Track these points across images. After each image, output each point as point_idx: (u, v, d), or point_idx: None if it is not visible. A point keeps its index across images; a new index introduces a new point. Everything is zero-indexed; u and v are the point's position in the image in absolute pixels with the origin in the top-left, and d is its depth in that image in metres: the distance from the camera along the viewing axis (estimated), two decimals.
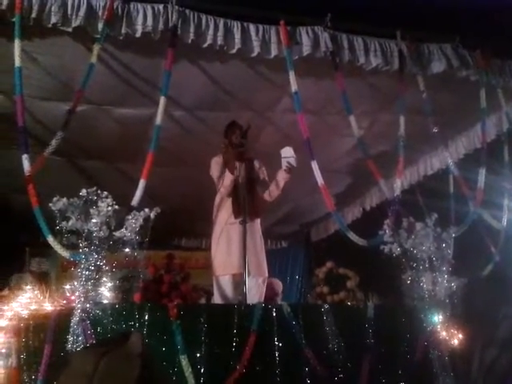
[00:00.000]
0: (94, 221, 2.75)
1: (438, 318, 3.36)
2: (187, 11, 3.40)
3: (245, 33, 3.47)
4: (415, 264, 3.42)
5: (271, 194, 4.03)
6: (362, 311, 3.23)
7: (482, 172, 3.99)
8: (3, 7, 3.14)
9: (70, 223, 2.77)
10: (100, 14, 3.28)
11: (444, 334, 3.33)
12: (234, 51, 3.48)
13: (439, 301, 3.47)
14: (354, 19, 3.73)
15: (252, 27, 3.50)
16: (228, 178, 3.82)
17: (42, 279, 5.49)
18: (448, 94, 4.14)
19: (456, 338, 3.46)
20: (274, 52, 3.55)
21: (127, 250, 2.87)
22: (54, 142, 3.17)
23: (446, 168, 4.77)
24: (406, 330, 3.23)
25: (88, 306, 2.80)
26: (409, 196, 4.67)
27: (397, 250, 3.32)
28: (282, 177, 3.94)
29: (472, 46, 4.04)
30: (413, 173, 5.50)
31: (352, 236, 3.55)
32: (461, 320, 3.45)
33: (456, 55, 3.90)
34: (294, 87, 3.58)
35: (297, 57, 3.60)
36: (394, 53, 3.77)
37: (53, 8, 3.19)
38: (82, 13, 3.23)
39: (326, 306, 3.13)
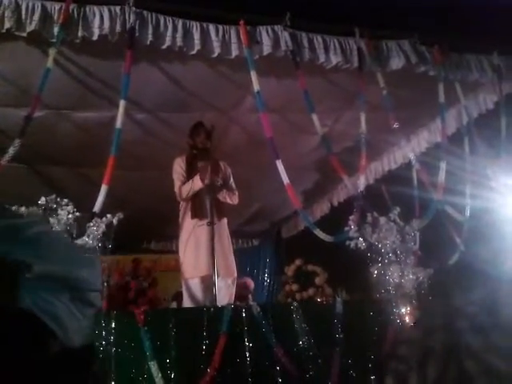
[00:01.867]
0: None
1: (405, 310, 3.42)
2: (145, 12, 3.36)
3: (204, 33, 3.45)
4: (381, 258, 3.48)
5: (232, 199, 4.01)
6: (331, 307, 3.26)
7: (443, 165, 4.08)
8: None
9: None
10: (55, 17, 3.21)
11: (412, 325, 3.39)
12: (193, 52, 3.45)
13: (406, 293, 3.53)
14: (313, 18, 3.75)
15: (212, 27, 3.48)
16: (197, 183, 3.77)
17: None
18: (408, 89, 4.21)
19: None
20: (234, 52, 3.54)
21: None
22: (11, 150, 3.09)
23: (409, 162, 4.85)
24: (375, 323, 3.27)
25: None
26: (374, 191, 4.74)
27: (362, 245, 3.37)
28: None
29: (429, 41, 4.12)
30: (377, 167, 5.59)
31: (318, 233, 3.59)
32: (426, 310, 3.52)
33: (414, 51, 3.97)
34: (255, 87, 3.58)
35: (257, 56, 3.60)
36: (354, 51, 3.82)
37: (6, 13, 3.10)
38: (36, 17, 3.15)
39: (295, 304, 3.15)
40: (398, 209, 3.47)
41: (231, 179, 4.10)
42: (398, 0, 4.27)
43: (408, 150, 4.47)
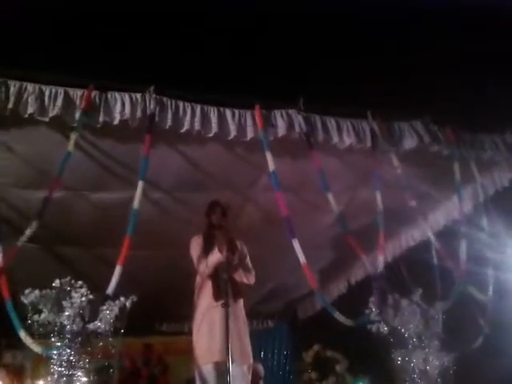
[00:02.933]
0: (66, 313, 2.64)
1: None
2: (165, 99, 3.49)
3: (221, 117, 3.56)
4: (404, 342, 3.32)
5: (249, 279, 3.94)
6: None
7: (463, 244, 4.00)
8: None
9: (42, 316, 2.65)
10: (77, 103, 3.33)
11: None
12: (211, 135, 3.54)
13: (431, 379, 3.34)
14: (326, 101, 3.87)
15: (228, 112, 3.60)
16: (215, 256, 3.72)
17: (17, 373, 5.17)
18: (422, 168, 4.23)
19: None
20: (250, 134, 3.62)
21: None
22: (28, 232, 3.10)
23: (427, 239, 4.77)
24: None
25: None
26: (393, 270, 4.63)
27: (384, 329, 3.23)
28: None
29: (442, 121, 4.19)
30: (395, 246, 5.49)
31: (338, 316, 3.46)
32: None
33: (426, 131, 4.04)
34: (271, 167, 3.62)
35: (272, 138, 3.68)
36: (367, 132, 3.89)
37: (29, 99, 3.24)
38: (59, 103, 3.28)
39: None
40: (421, 290, 3.35)
41: (247, 258, 4.04)
42: (409, 82, 4.42)
43: (426, 228, 4.41)
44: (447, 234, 4.60)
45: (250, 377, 3.73)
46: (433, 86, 4.46)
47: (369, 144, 3.89)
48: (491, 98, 3.81)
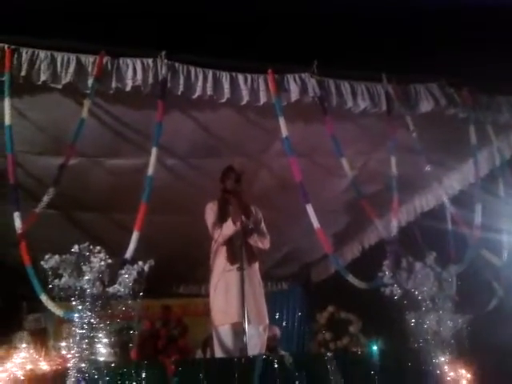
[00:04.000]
0: (86, 277, 2.70)
1: (445, 359, 3.28)
2: (176, 64, 3.45)
3: (233, 82, 3.52)
4: (417, 305, 3.35)
5: (264, 243, 3.99)
6: (367, 357, 3.14)
7: (478, 208, 3.97)
8: None
9: (63, 281, 2.72)
10: (89, 69, 3.32)
11: (452, 375, 3.24)
12: (223, 100, 3.52)
13: (445, 341, 3.38)
14: (339, 64, 3.79)
15: (240, 77, 3.56)
16: (229, 227, 3.78)
17: (40, 336, 5.35)
18: (438, 131, 4.17)
19: (465, 379, 3.36)
20: (262, 99, 3.59)
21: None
22: (45, 198, 3.15)
23: (442, 204, 4.75)
24: (414, 373, 3.13)
25: (83, 365, 2.71)
26: (406, 234, 4.63)
27: (398, 292, 3.26)
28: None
29: (458, 83, 4.10)
30: (409, 210, 5.48)
31: (351, 279, 3.50)
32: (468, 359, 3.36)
33: (443, 94, 3.96)
34: (284, 132, 3.60)
35: (285, 103, 3.64)
36: (381, 95, 3.82)
37: (42, 66, 3.23)
38: (71, 69, 3.27)
39: (329, 354, 3.04)
40: (434, 253, 3.36)
41: (262, 223, 4.08)
42: (425, 44, 4.30)
43: (440, 192, 4.39)
44: (462, 199, 4.58)
45: (265, 337, 3.83)
46: (449, 48, 4.34)
47: (384, 108, 3.83)
48: (509, 60, 3.70)
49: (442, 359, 3.26)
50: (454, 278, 3.53)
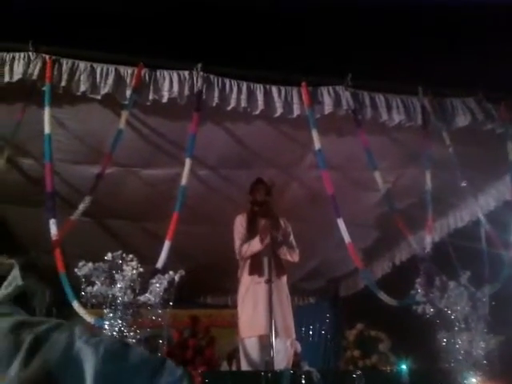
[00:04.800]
0: (118, 286, 2.73)
1: (476, 380, 3.18)
2: (211, 76, 3.50)
3: (267, 95, 3.54)
4: (450, 324, 3.27)
5: (293, 256, 3.97)
6: (397, 376, 3.08)
7: None
8: (34, 77, 3.28)
9: (95, 288, 2.76)
10: (128, 81, 3.39)
11: None
12: (257, 112, 3.54)
13: (477, 362, 3.29)
14: (375, 77, 3.77)
15: (274, 89, 3.57)
16: (256, 245, 3.77)
17: None
18: (474, 146, 4.09)
19: None
20: (296, 112, 3.59)
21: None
22: (81, 207, 3.22)
23: (476, 220, 4.64)
24: None
25: None
26: (440, 250, 4.54)
27: (430, 311, 3.20)
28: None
29: (496, 98, 4.02)
30: (443, 227, 5.36)
31: (382, 296, 3.44)
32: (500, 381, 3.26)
33: (480, 109, 3.88)
34: (317, 145, 3.60)
35: (319, 115, 3.63)
36: (417, 108, 3.78)
37: (82, 77, 3.32)
38: (110, 81, 3.34)
39: (358, 372, 2.99)
40: (468, 272, 3.28)
41: (291, 236, 4.06)
42: (461, 58, 4.23)
43: (475, 209, 4.28)
44: (498, 216, 4.45)
45: (292, 351, 3.79)
46: (487, 62, 4.26)
47: (419, 122, 3.78)
48: None
49: (473, 380, 3.17)
50: (488, 297, 3.44)
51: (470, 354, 3.29)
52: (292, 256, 3.96)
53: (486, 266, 4.05)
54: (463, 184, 3.82)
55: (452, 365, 3.25)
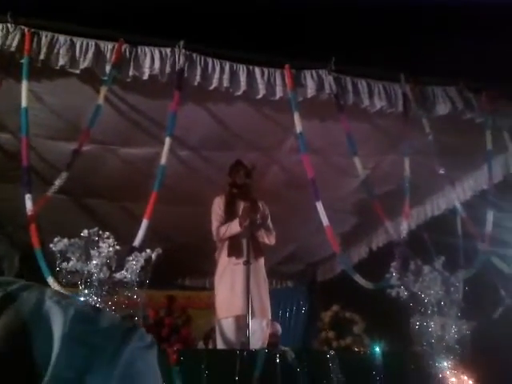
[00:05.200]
0: (94, 262, 2.71)
1: (447, 364, 3.26)
2: (194, 55, 3.46)
3: (250, 76, 3.51)
4: (423, 308, 3.34)
5: (270, 239, 3.99)
6: (370, 358, 3.14)
7: (490, 214, 3.94)
8: (12, 49, 3.20)
9: (71, 264, 2.74)
10: (108, 56, 3.33)
11: (454, 380, 3.23)
12: (239, 93, 3.52)
13: (449, 346, 3.37)
14: (357, 62, 3.77)
15: (257, 70, 3.55)
16: (235, 227, 3.77)
17: None
18: (454, 135, 4.13)
19: None
20: (278, 94, 3.58)
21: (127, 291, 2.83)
22: (57, 183, 3.18)
23: (453, 208, 4.72)
24: (415, 377, 3.12)
25: None
26: (416, 237, 4.61)
27: (404, 294, 3.25)
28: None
29: (477, 88, 4.06)
30: (419, 213, 5.44)
31: (358, 279, 3.49)
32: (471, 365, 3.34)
33: (461, 98, 3.92)
34: (298, 128, 3.59)
35: (301, 98, 3.62)
36: (398, 95, 3.80)
37: (61, 50, 3.25)
38: (89, 55, 3.28)
39: (332, 352, 3.04)
40: (443, 258, 3.34)
41: (269, 219, 4.07)
42: (443, 46, 4.26)
43: (452, 197, 4.35)
44: (474, 204, 4.54)
45: (268, 332, 3.83)
46: (470, 51, 4.29)
47: (400, 108, 3.81)
48: None
49: (445, 364, 3.25)
50: (462, 283, 3.51)
51: (443, 338, 3.36)
52: (269, 239, 3.98)
53: (461, 252, 4.14)
54: (441, 172, 3.87)
55: (424, 348, 3.31)
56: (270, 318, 3.87)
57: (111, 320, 0.68)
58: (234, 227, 3.77)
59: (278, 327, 5.13)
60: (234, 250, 3.80)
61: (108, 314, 0.69)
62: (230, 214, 3.88)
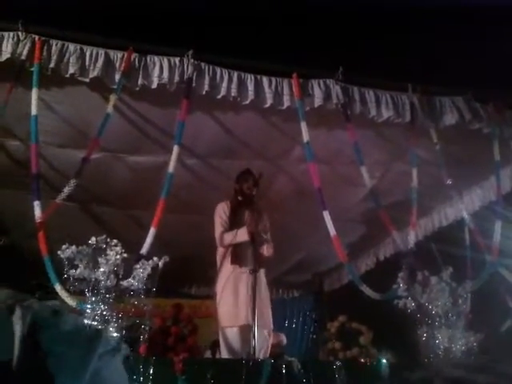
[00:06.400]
0: (101, 270, 2.72)
1: (454, 376, 3.22)
2: (202, 64, 3.48)
3: (258, 85, 3.53)
4: (430, 319, 3.31)
5: (268, 250, 3.94)
6: (376, 369, 3.11)
7: (498, 225, 3.91)
8: (23, 57, 3.24)
9: (78, 271, 2.75)
10: (117, 65, 3.36)
11: None
12: (247, 102, 3.53)
13: (455, 358, 3.33)
14: (365, 72, 3.78)
15: (265, 79, 3.57)
16: (244, 235, 3.73)
17: None
18: (461, 145, 4.13)
19: None
20: (286, 103, 3.59)
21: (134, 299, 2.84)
22: (66, 190, 3.19)
23: (461, 219, 4.69)
24: None
25: None
26: (423, 247, 4.58)
27: (411, 305, 3.23)
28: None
29: (484, 98, 4.05)
30: (427, 224, 5.42)
31: (365, 289, 3.47)
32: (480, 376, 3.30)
33: (468, 108, 3.91)
34: (305, 137, 3.60)
35: (308, 108, 3.63)
36: (406, 105, 3.80)
37: (71, 59, 3.28)
38: (99, 64, 3.32)
39: (338, 363, 3.01)
40: (451, 269, 3.31)
41: (268, 232, 4.04)
42: (452, 56, 4.26)
43: (460, 208, 4.33)
44: (482, 215, 4.51)
45: (270, 341, 3.80)
46: (478, 61, 4.29)
47: (407, 118, 3.80)
48: None
49: (451, 376, 3.21)
50: (469, 294, 3.48)
51: (449, 350, 3.33)
52: (268, 250, 3.92)
53: (469, 263, 4.11)
54: (448, 182, 3.85)
55: (431, 360, 3.28)
56: (271, 327, 3.84)
57: (73, 325, 0.67)
58: (242, 235, 3.73)
59: (283, 338, 5.09)
60: (238, 258, 3.77)
61: (70, 319, 0.68)
62: (234, 221, 3.85)
